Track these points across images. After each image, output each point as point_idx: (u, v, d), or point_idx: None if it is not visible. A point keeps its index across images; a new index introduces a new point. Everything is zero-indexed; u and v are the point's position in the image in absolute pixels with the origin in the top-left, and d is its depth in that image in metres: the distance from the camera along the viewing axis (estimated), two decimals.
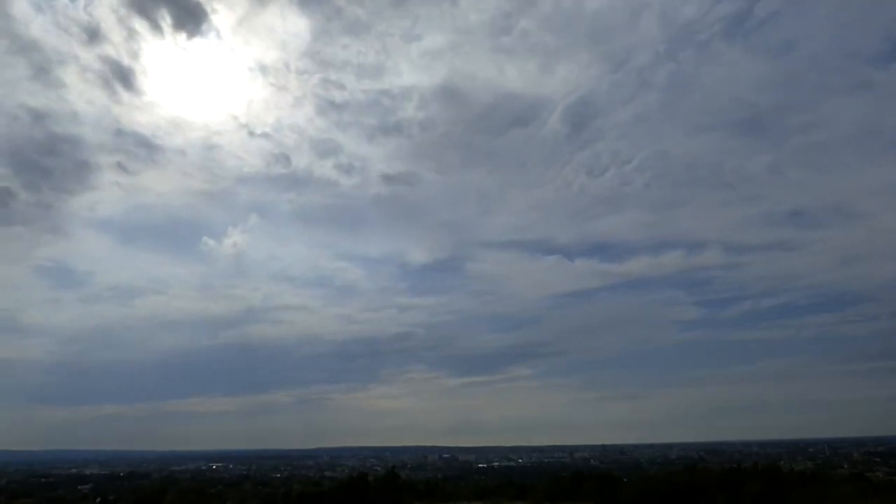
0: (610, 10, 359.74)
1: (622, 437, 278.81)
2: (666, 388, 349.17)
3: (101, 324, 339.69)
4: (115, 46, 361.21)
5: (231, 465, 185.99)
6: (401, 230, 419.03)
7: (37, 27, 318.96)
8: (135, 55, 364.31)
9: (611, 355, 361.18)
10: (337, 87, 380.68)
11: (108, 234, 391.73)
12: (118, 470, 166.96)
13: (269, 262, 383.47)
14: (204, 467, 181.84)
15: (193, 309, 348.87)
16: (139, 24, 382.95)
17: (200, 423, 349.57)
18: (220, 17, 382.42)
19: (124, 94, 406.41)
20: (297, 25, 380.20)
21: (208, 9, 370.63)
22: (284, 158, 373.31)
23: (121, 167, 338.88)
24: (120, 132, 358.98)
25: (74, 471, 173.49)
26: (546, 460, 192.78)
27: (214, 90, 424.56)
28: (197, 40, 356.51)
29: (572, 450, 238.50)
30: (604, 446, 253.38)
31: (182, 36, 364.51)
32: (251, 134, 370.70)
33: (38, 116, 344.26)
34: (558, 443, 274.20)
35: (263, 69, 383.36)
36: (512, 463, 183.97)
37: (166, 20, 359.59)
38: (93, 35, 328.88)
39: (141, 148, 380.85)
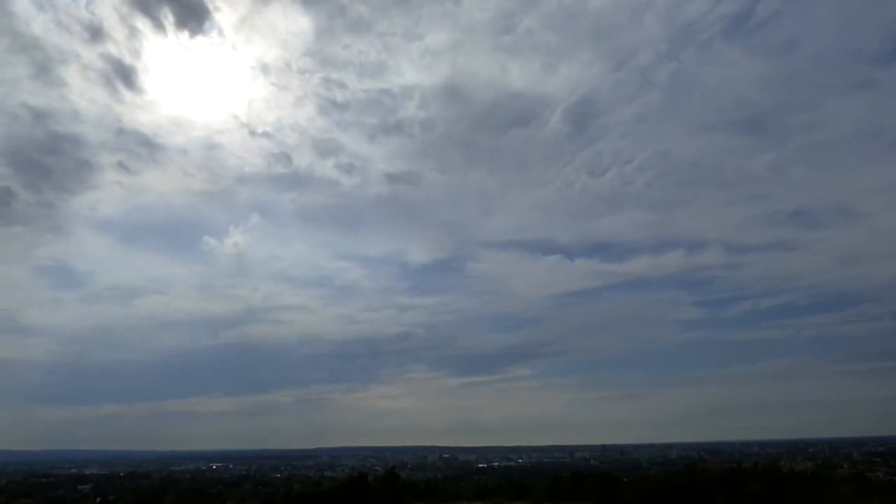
0: (613, 8, 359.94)
1: (622, 437, 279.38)
2: (666, 388, 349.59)
3: (101, 324, 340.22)
4: (116, 45, 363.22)
5: (231, 465, 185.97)
6: (401, 230, 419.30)
7: (38, 25, 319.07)
8: (136, 54, 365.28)
9: (611, 355, 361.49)
10: (339, 86, 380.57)
11: (108, 234, 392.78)
12: (118, 470, 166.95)
13: (270, 261, 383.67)
14: (204, 467, 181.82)
15: (194, 309, 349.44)
16: (141, 23, 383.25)
17: (200, 423, 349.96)
18: (223, 14, 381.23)
19: (126, 93, 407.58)
20: (300, 24, 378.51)
21: (211, 7, 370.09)
22: (285, 158, 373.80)
23: (122, 166, 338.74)
24: (121, 131, 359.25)
25: (74, 471, 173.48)
26: (546, 460, 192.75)
27: (216, 89, 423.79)
28: (199, 39, 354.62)
29: (572, 450, 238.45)
30: (604, 446, 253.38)
31: (184, 34, 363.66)
32: (252, 133, 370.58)
33: (39, 115, 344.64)
34: (558, 443, 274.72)
35: (265, 68, 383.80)
36: (512, 463, 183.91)
37: (169, 18, 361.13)
38: (95, 33, 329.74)
39: (142, 147, 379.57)
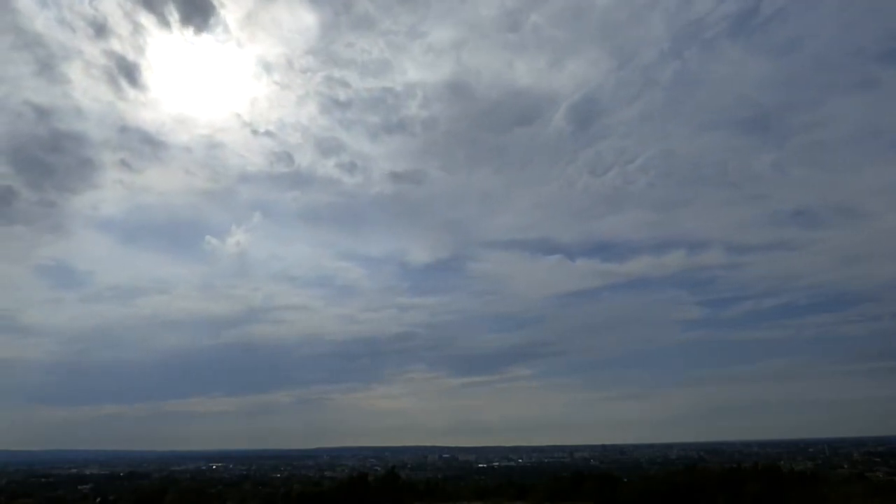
0: (617, 6, 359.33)
1: (622, 437, 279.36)
2: (666, 388, 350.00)
3: (101, 324, 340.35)
4: (120, 41, 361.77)
5: (231, 465, 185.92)
6: (403, 229, 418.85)
7: (41, 22, 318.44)
8: (140, 50, 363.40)
9: (612, 355, 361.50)
10: (341, 84, 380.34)
11: (109, 233, 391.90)
12: (118, 470, 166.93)
13: (271, 261, 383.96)
14: (204, 467, 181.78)
15: (194, 309, 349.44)
16: (146, 19, 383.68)
17: (200, 423, 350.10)
18: (228, 11, 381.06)
19: (129, 91, 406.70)
20: (305, 20, 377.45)
21: (216, 2, 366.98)
22: (287, 157, 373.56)
23: (124, 164, 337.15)
24: (124, 129, 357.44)
25: (74, 471, 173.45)
26: (546, 460, 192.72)
27: (218, 87, 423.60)
28: (204, 36, 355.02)
29: (572, 450, 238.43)
30: (604, 446, 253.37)
31: (189, 31, 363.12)
32: (254, 132, 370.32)
33: (41, 113, 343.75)
34: (558, 443, 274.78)
35: (267, 66, 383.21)
36: (512, 463, 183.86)
37: (174, 15, 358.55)
38: (98, 29, 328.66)
39: (145, 145, 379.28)
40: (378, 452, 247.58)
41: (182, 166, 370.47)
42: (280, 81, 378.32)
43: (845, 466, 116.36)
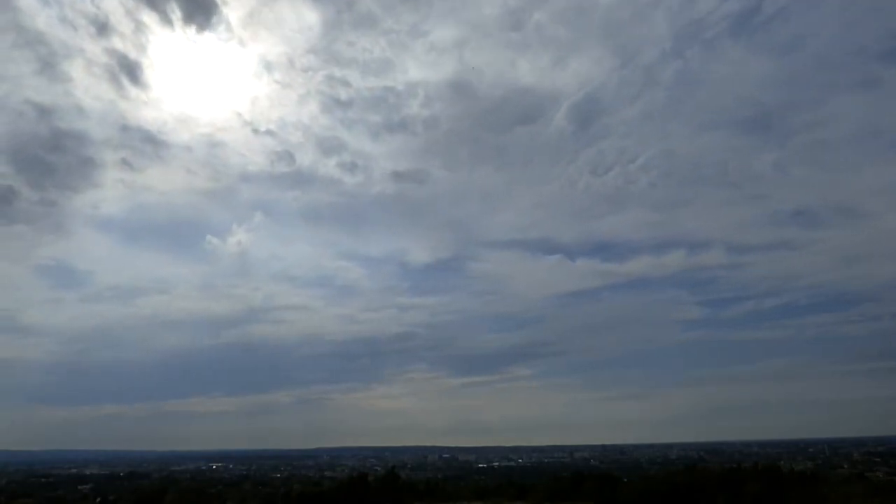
0: (620, 4, 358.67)
1: (622, 437, 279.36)
2: (667, 388, 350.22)
3: (101, 323, 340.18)
4: (122, 39, 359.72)
5: (231, 465, 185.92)
6: (404, 229, 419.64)
7: (43, 20, 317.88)
8: (142, 49, 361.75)
9: (612, 355, 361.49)
10: (342, 83, 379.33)
11: (110, 233, 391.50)
12: (118, 470, 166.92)
13: (272, 261, 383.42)
14: (204, 467, 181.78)
15: (195, 308, 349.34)
16: (148, 17, 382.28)
17: (200, 423, 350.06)
18: (231, 9, 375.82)
19: (131, 89, 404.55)
20: (308, 18, 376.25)
21: (219, 0, 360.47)
22: (288, 156, 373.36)
23: (126, 163, 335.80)
24: (126, 128, 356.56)
25: (74, 471, 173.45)
26: (546, 460, 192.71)
27: (219, 86, 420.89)
28: (206, 34, 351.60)
29: (572, 450, 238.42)
30: (604, 446, 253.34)
31: (192, 29, 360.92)
32: (255, 131, 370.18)
33: (43, 112, 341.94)
34: (558, 443, 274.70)
35: (269, 65, 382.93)
36: (512, 463, 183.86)
37: (176, 13, 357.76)
38: (100, 28, 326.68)
39: (146, 144, 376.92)
40: (378, 452, 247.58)
41: (183, 165, 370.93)
42: (281, 80, 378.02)
43: (845, 466, 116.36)
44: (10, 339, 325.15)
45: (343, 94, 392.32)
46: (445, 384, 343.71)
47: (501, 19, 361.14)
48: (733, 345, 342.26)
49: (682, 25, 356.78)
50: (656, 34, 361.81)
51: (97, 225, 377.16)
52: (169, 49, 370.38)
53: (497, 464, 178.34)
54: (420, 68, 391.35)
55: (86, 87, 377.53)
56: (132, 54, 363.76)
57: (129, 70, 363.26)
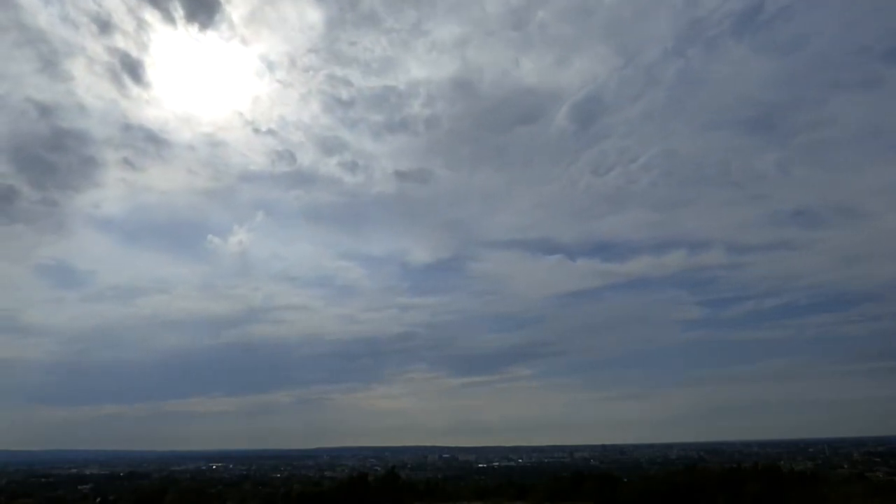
0: (623, 3, 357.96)
1: (622, 437, 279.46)
2: (667, 388, 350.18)
3: (101, 323, 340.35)
4: (124, 38, 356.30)
5: (231, 465, 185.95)
6: (405, 229, 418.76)
7: (44, 18, 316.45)
8: (144, 47, 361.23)
9: (612, 355, 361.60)
10: (344, 83, 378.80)
11: (110, 233, 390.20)
12: (118, 470, 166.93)
13: (273, 260, 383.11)
14: (204, 467, 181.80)
15: (195, 308, 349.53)
16: (150, 15, 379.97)
17: (200, 423, 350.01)
18: (234, 7, 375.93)
19: (133, 88, 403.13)
20: (311, 17, 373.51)
21: None
22: (290, 155, 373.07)
23: (127, 163, 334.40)
24: (127, 127, 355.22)
25: (74, 471, 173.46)
26: (546, 460, 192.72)
27: (221, 85, 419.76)
28: (209, 32, 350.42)
29: (572, 450, 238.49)
30: (604, 446, 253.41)
31: (194, 27, 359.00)
32: (256, 131, 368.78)
33: (44, 111, 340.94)
34: (558, 443, 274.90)
35: (270, 64, 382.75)
36: (512, 463, 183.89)
37: (179, 11, 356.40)
38: (103, 26, 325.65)
39: (148, 143, 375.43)
40: (378, 452, 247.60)
41: (184, 165, 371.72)
42: (282, 79, 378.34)
43: (845, 466, 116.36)
44: (11, 339, 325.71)
45: (344, 93, 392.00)
46: (445, 384, 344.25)
47: (503, 18, 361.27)
48: (733, 345, 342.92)
49: (684, 24, 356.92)
50: (658, 33, 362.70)
51: (98, 225, 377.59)
52: (171, 47, 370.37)
53: (497, 464, 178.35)
54: (421, 67, 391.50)
55: (87, 85, 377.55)
56: (134, 53, 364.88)
57: (130, 68, 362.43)
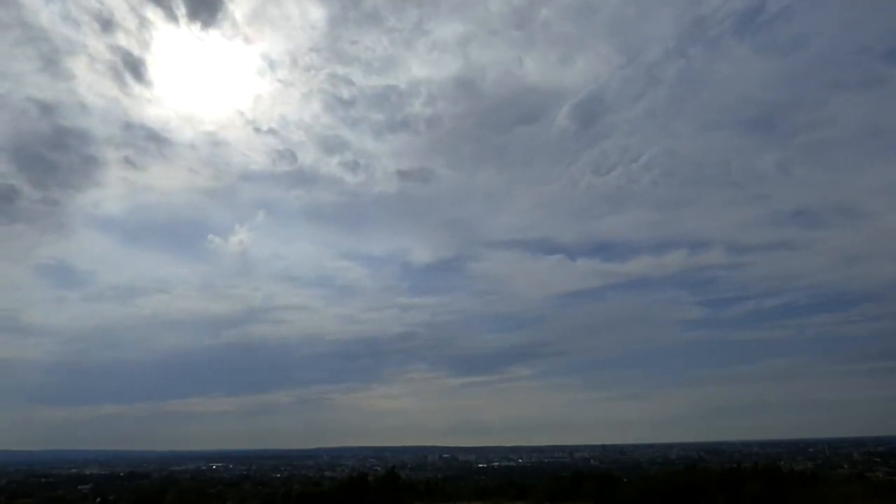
0: (626, 1, 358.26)
1: (622, 437, 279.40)
2: (667, 388, 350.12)
3: (102, 323, 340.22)
4: (126, 36, 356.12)
5: (231, 465, 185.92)
6: (405, 228, 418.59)
7: (46, 16, 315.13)
8: (146, 45, 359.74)
9: (612, 355, 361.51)
10: (345, 82, 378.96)
11: (111, 232, 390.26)
12: (118, 470, 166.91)
13: (273, 260, 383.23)
14: (204, 467, 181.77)
15: (195, 308, 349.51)
16: (153, 13, 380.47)
17: (200, 423, 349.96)
18: (236, 5, 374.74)
19: (135, 86, 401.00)
20: (313, 15, 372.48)
21: None
22: (290, 155, 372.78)
23: (128, 162, 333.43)
24: (129, 125, 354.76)
25: (74, 471, 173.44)
26: (546, 460, 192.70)
27: (222, 84, 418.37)
28: (211, 31, 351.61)
29: (572, 450, 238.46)
30: (604, 446, 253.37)
31: (196, 26, 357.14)
32: (257, 130, 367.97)
33: (45, 109, 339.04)
34: (558, 443, 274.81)
35: (271, 63, 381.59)
36: (512, 463, 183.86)
37: (181, 9, 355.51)
38: (105, 24, 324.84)
39: (149, 142, 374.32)
40: (378, 452, 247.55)
41: (185, 164, 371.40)
42: (284, 79, 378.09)
43: (845, 466, 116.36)
44: (11, 339, 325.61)
45: (346, 92, 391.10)
46: (446, 384, 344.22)
47: (507, 17, 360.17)
48: (733, 345, 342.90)
49: (686, 24, 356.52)
50: (660, 32, 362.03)
51: (98, 224, 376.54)
52: (173, 46, 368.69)
53: (497, 464, 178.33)
54: (423, 67, 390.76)
55: (89, 84, 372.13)
56: (136, 51, 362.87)
57: (132, 67, 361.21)
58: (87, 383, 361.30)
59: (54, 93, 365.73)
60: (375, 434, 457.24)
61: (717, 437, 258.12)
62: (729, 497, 49.73)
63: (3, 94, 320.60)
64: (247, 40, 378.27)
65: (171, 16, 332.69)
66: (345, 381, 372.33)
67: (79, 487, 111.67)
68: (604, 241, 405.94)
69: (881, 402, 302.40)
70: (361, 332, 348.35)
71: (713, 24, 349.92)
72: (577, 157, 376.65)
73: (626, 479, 68.49)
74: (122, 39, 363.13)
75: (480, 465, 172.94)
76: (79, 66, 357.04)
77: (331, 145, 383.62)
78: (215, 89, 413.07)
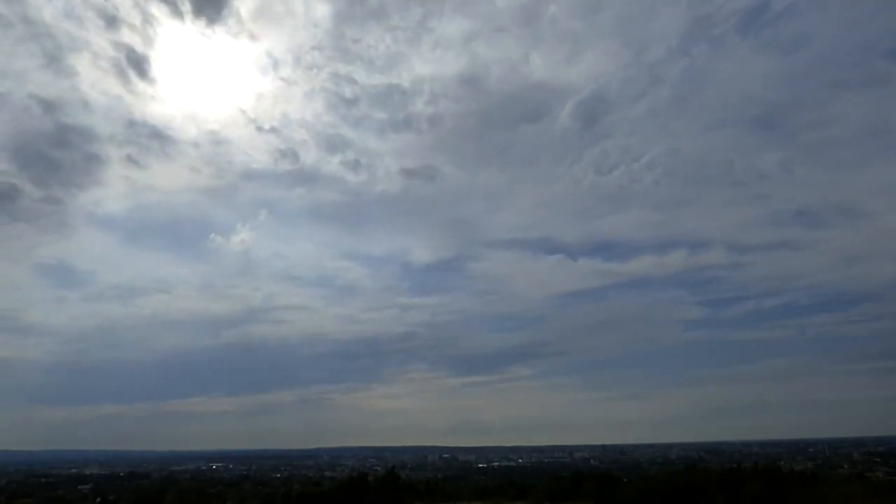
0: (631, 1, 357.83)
1: (622, 437, 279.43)
2: (667, 388, 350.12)
3: (102, 323, 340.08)
4: (130, 32, 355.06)
5: (231, 465, 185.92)
6: (406, 228, 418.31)
7: (49, 12, 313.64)
8: (150, 42, 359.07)
9: (612, 355, 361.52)
10: (348, 80, 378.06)
11: (113, 232, 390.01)
12: (118, 470, 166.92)
13: (275, 260, 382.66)
14: (204, 467, 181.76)
15: (196, 308, 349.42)
16: (157, 9, 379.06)
17: (200, 423, 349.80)
18: (241, 1, 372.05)
19: (138, 83, 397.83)
20: (319, 12, 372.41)
21: None
22: (292, 154, 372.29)
23: (131, 160, 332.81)
24: (131, 123, 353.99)
25: (74, 471, 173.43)
26: (546, 460, 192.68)
27: (224, 82, 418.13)
28: (216, 27, 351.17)
29: (572, 450, 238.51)
30: (604, 446, 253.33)
31: (201, 22, 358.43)
32: (259, 129, 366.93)
33: (48, 107, 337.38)
34: (558, 443, 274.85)
35: (274, 62, 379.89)
36: (512, 463, 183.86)
37: (186, 5, 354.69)
38: (109, 20, 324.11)
39: (152, 140, 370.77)
40: (378, 452, 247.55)
41: (187, 162, 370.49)
42: (286, 77, 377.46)
43: (845, 466, 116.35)
44: (11, 339, 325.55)
45: (348, 91, 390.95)
46: (446, 384, 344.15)
47: (514, 13, 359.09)
48: (733, 345, 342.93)
49: (690, 22, 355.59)
50: (663, 31, 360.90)
51: (99, 223, 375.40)
52: (177, 42, 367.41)
53: (497, 464, 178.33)
54: (426, 65, 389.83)
55: (92, 81, 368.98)
56: (140, 47, 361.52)
57: (136, 64, 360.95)
58: (87, 383, 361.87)
59: (57, 90, 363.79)
60: (375, 434, 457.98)
61: (717, 437, 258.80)
62: (729, 497, 49.73)
63: (5, 92, 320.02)
64: (252, 37, 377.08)
65: (177, 12, 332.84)
66: (345, 381, 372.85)
67: (79, 487, 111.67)
68: (605, 241, 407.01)
69: (881, 402, 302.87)
70: (362, 332, 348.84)
71: (717, 22, 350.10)
72: (579, 156, 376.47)
73: (626, 479, 68.49)
74: (126, 36, 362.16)
75: (480, 465, 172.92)
76: (82, 63, 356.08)
77: (333, 144, 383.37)
78: (218, 87, 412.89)
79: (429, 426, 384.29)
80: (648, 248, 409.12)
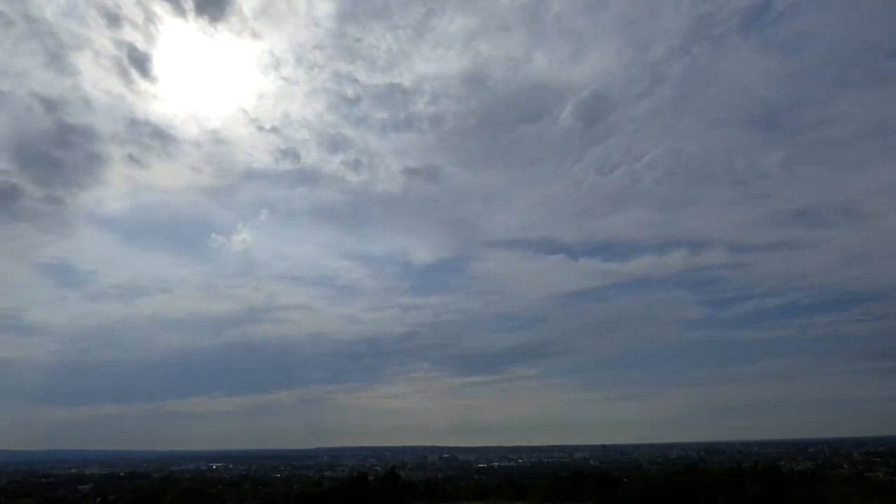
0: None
1: (622, 437, 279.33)
2: (666, 388, 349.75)
3: (103, 323, 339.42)
4: (133, 30, 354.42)
5: (231, 465, 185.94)
6: (407, 228, 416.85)
7: (51, 10, 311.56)
8: (152, 40, 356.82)
9: (613, 355, 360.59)
10: (349, 80, 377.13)
11: (114, 231, 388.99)
12: (118, 470, 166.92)
13: (276, 259, 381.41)
14: (204, 467, 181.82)
15: (197, 308, 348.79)
16: (160, 7, 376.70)
17: (200, 423, 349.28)
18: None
19: (140, 82, 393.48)
20: (321, 10, 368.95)
21: None
22: (293, 153, 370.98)
23: (132, 159, 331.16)
24: (133, 122, 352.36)
25: (74, 471, 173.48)
26: (546, 460, 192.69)
27: (225, 82, 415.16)
28: (219, 26, 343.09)
29: (572, 450, 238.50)
30: (604, 446, 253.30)
31: (204, 20, 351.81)
32: (260, 128, 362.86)
33: (49, 106, 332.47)
34: (558, 443, 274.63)
35: (275, 61, 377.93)
36: (512, 463, 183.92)
37: (189, 2, 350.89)
38: (111, 18, 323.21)
39: (154, 139, 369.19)
40: (378, 452, 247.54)
41: (189, 162, 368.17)
42: (287, 76, 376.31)
43: (845, 466, 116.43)
44: (12, 339, 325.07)
45: (350, 90, 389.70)
46: (447, 384, 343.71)
47: (517, 11, 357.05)
48: (734, 345, 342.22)
49: (692, 21, 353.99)
50: (665, 30, 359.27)
51: (100, 223, 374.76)
52: (180, 41, 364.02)
53: (497, 464, 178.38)
54: (428, 63, 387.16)
55: (94, 79, 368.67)
56: (142, 46, 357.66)
57: (138, 62, 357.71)
58: (87, 383, 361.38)
59: (59, 89, 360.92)
60: (375, 434, 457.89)
61: (717, 437, 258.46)
62: (729, 497, 49.75)
63: (7, 91, 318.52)
64: (254, 35, 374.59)
65: (179, 10, 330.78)
66: (346, 380, 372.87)
67: (79, 487, 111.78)
68: (606, 241, 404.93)
69: (881, 402, 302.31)
70: (363, 332, 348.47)
71: (718, 21, 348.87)
72: (580, 155, 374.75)
73: (626, 479, 68.52)
74: (128, 34, 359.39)
75: (480, 465, 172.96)
76: (84, 62, 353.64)
77: (334, 144, 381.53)
78: (220, 86, 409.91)
79: (430, 426, 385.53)
80: (649, 247, 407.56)
